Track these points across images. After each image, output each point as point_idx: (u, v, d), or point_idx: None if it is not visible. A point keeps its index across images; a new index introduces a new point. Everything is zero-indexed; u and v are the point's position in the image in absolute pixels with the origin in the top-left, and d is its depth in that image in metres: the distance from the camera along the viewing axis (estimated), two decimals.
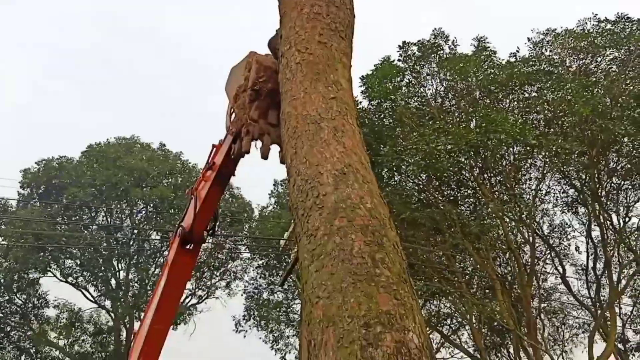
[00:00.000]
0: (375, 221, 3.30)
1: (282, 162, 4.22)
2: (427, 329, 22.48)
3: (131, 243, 26.26)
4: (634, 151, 17.34)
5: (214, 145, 6.03)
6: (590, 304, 20.87)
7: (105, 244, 25.54)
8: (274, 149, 4.72)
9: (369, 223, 3.26)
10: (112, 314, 26.42)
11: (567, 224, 20.07)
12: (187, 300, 27.82)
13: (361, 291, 2.88)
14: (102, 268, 25.75)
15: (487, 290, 21.05)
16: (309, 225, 3.38)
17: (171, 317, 7.23)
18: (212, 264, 27.40)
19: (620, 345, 21.74)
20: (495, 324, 21.38)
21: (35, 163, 25.39)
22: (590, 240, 19.65)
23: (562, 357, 23.59)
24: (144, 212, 26.38)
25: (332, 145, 3.72)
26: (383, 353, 2.61)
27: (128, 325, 24.89)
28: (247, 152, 5.01)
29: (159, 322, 7.01)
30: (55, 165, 25.24)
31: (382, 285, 2.92)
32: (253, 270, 26.25)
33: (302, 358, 10.86)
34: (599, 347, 18.66)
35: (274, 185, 25.24)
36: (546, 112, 17.42)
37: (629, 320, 22.89)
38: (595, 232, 19.51)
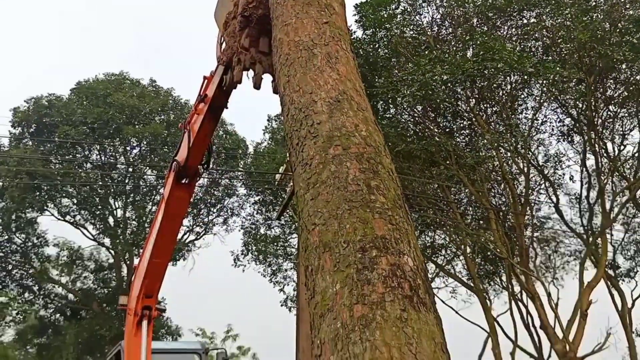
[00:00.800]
0: (370, 149, 3.28)
1: (275, 91, 4.14)
2: (423, 259, 23.15)
3: (126, 181, 26.29)
4: (632, 78, 17.15)
5: (205, 77, 5.88)
6: (582, 232, 21.30)
7: (100, 183, 25.56)
8: (267, 79, 4.60)
9: (364, 151, 3.24)
10: (112, 252, 26.88)
11: (562, 153, 20.13)
12: (185, 236, 28.28)
13: (357, 217, 2.90)
14: (99, 206, 25.92)
15: (481, 221, 21.41)
16: (304, 155, 3.36)
17: (169, 251, 7.33)
18: (209, 200, 27.61)
19: (610, 271, 22.40)
20: (489, 253, 21.90)
21: (25, 101, 24.99)
22: (584, 169, 19.79)
23: (553, 284, 24.36)
24: (137, 149, 26.27)
25: (325, 72, 3.66)
26: (378, 275, 2.64)
27: (128, 262, 25.36)
28: (239, 82, 4.89)
29: (157, 256, 7.11)
30: (45, 103, 24.81)
31: (377, 211, 2.93)
32: (250, 206, 26.50)
33: (300, 286, 11.19)
34: (590, 273, 19.23)
35: (268, 120, 25.00)
36: (544, 39, 17.04)
37: (620, 247, 23.48)
38: (590, 161, 19.65)
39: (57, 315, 27.59)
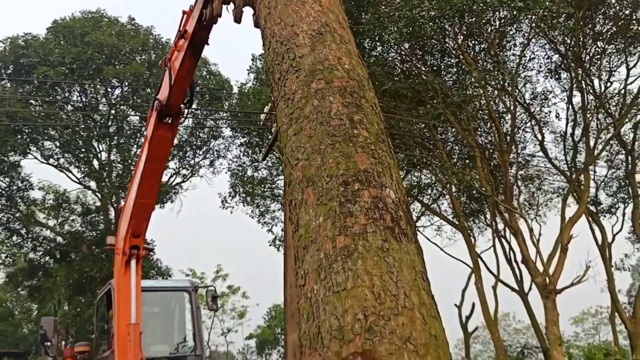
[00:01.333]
0: (353, 82, 3.24)
1: (257, 25, 4.00)
2: (409, 199, 23.30)
3: (109, 123, 25.85)
4: (621, 13, 16.92)
5: (184, 12, 5.68)
6: (566, 169, 21.62)
7: (82, 125, 25.10)
8: (248, 12, 4.45)
9: (347, 84, 3.20)
10: (98, 195, 26.80)
11: (549, 90, 20.08)
12: (171, 179, 28.25)
13: (339, 151, 2.90)
14: (83, 149, 25.60)
15: (467, 160, 21.59)
16: (286, 89, 3.31)
17: (155, 191, 7.31)
18: (194, 142, 27.39)
19: (592, 208, 22.92)
20: (474, 191, 22.23)
21: (0, 42, 24.11)
22: (570, 106, 19.83)
23: (536, 221, 24.94)
24: (119, 90, 25.70)
25: (307, 3, 3.56)
26: (361, 208, 2.67)
27: (115, 205, 25.34)
28: (219, 15, 4.74)
29: (143, 197, 7.10)
30: (21, 43, 23.94)
31: (360, 145, 2.93)
32: (236, 148, 26.37)
33: (287, 224, 11.35)
34: (572, 210, 19.67)
35: (253, 60, 24.45)
36: None
37: (603, 183, 23.92)
38: (576, 98, 19.68)
39: (47, 257, 27.81)
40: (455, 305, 27.94)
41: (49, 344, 8.33)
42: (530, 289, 21.30)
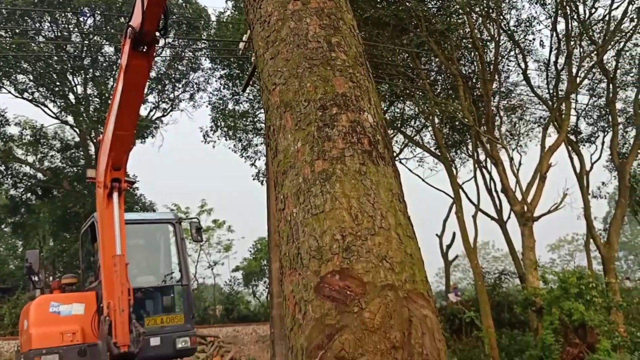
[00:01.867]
0: (330, 3, 3.13)
1: None
2: (392, 131, 23.23)
3: (83, 55, 24.93)
4: None
5: None
6: (548, 98, 21.65)
7: (55, 57, 24.19)
8: None
9: (324, 6, 3.10)
10: (77, 130, 26.31)
11: (533, 17, 19.71)
12: (151, 113, 27.77)
13: (317, 75, 2.85)
14: (58, 83, 24.83)
15: (450, 90, 21.47)
16: (262, 12, 3.21)
17: (133, 123, 7.19)
18: (173, 75, 26.73)
19: (572, 137, 23.20)
20: (457, 123, 22.27)
21: None
22: (554, 34, 19.59)
23: (517, 151, 25.25)
24: (91, 20, 24.63)
25: None
26: (339, 132, 2.66)
27: (95, 140, 24.97)
28: None
29: (121, 129, 6.99)
30: None
31: (338, 69, 2.88)
32: (216, 80, 25.81)
33: (269, 156, 11.34)
34: (553, 139, 19.88)
35: None
36: None
37: (584, 112, 24.09)
38: (561, 25, 19.41)
39: (28, 194, 27.60)
40: (437, 235, 28.74)
41: (36, 278, 8.44)
42: (509, 217, 21.89)
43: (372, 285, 2.31)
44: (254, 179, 26.72)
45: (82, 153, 26.98)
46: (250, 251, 34.33)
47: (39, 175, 27.09)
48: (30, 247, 26.61)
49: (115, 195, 7.42)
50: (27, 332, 7.46)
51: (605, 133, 23.73)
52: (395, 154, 23.84)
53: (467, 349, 18.74)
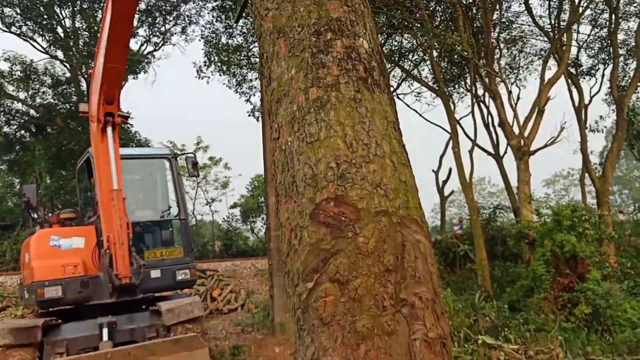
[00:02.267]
0: None
1: None
2: (389, 64, 22.80)
3: None
4: None
5: None
6: (549, 29, 21.16)
7: None
8: None
9: None
10: (67, 65, 25.75)
11: None
12: (142, 47, 27.12)
13: None
14: (45, 16, 24.05)
15: (449, 22, 20.92)
16: None
17: (123, 55, 7.02)
18: (164, 7, 25.89)
19: (572, 70, 22.86)
20: (455, 56, 21.86)
21: None
22: None
23: (516, 84, 24.94)
24: None
25: None
26: (333, 58, 2.60)
27: (86, 76, 24.49)
28: None
29: (111, 61, 6.84)
30: None
31: None
32: (208, 13, 25.07)
33: (264, 91, 11.19)
34: (552, 72, 19.56)
35: None
36: None
37: (585, 44, 23.61)
38: None
39: (22, 131, 27.39)
40: (433, 171, 28.89)
41: (35, 215, 8.52)
42: (505, 152, 21.94)
43: (366, 212, 2.33)
44: (249, 116, 26.51)
45: (73, 89, 26.53)
46: (248, 188, 34.59)
47: (32, 112, 26.74)
48: (27, 184, 26.71)
49: (109, 129, 7.37)
50: (29, 265, 7.61)
51: (606, 65, 23.38)
52: (392, 89, 23.52)
53: (460, 280, 19.28)
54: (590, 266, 12.80)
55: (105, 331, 7.02)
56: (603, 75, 23.41)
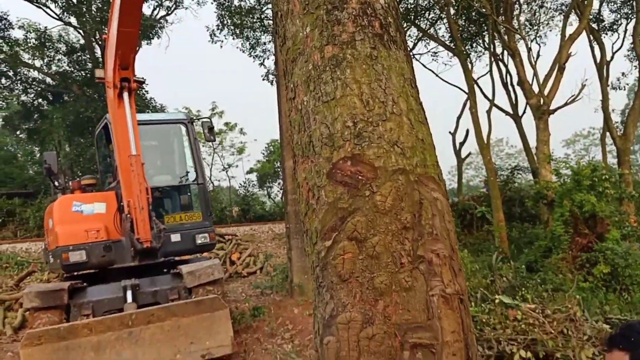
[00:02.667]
0: None
1: None
2: (405, 24, 22.26)
3: None
4: None
5: None
6: None
7: None
8: None
9: None
10: (81, 32, 25.69)
11: None
12: (154, 12, 26.89)
13: None
14: None
15: None
16: None
17: (137, 19, 6.97)
18: None
19: (594, 25, 22.17)
20: (473, 13, 21.31)
21: None
22: None
23: (535, 41, 24.30)
24: None
25: None
26: (349, 15, 2.56)
27: (100, 43, 24.41)
28: None
29: (125, 25, 6.80)
30: None
31: None
32: None
33: (278, 53, 11.04)
34: (573, 28, 19.00)
35: None
36: None
37: None
38: None
39: (40, 99, 27.59)
40: (450, 132, 28.56)
41: (56, 183, 8.66)
42: (524, 112, 21.58)
43: (384, 170, 2.33)
44: (263, 80, 26.34)
45: (88, 56, 26.52)
46: (263, 153, 34.65)
47: (48, 80, 26.86)
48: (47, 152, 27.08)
49: (125, 95, 7.39)
50: (53, 230, 7.78)
51: (629, 20, 22.62)
52: (409, 49, 22.90)
53: (477, 242, 19.29)
54: (609, 226, 12.70)
55: (129, 293, 7.20)
56: (625, 31, 22.72)
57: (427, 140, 2.53)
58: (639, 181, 22.03)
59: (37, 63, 26.19)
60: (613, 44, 23.41)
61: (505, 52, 20.85)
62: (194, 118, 9.97)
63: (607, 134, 21.37)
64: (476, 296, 9.06)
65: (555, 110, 17.66)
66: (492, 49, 21.72)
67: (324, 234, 2.38)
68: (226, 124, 35.60)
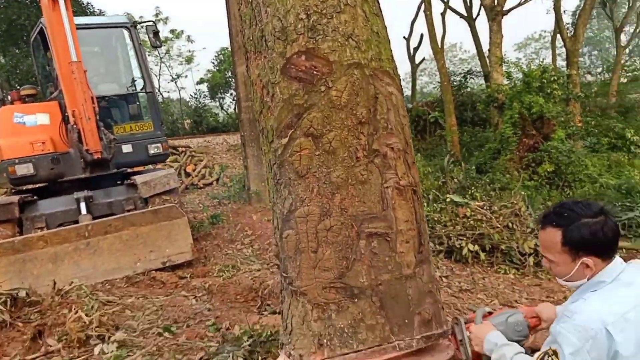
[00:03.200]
0: None
1: None
2: None
3: None
4: None
5: None
6: None
7: None
8: None
9: None
10: None
11: None
12: None
13: None
14: None
15: None
16: None
17: None
18: None
19: None
20: None
21: None
22: None
23: None
24: None
25: None
26: None
27: None
28: None
29: None
30: None
31: None
32: None
33: None
34: None
35: None
36: None
37: None
38: None
39: None
40: (404, 37, 28.16)
41: None
42: (478, 14, 21.37)
43: (339, 64, 2.28)
44: None
45: None
46: (213, 62, 33.44)
47: None
48: None
49: None
50: None
51: None
52: None
53: (430, 147, 19.73)
54: (555, 126, 13.18)
55: (83, 205, 7.07)
56: None
57: (382, 33, 2.47)
58: (585, 82, 22.65)
59: None
60: None
61: None
62: (137, 21, 9.39)
63: (558, 36, 21.57)
64: (429, 197, 9.42)
65: (509, 10, 17.57)
66: None
67: (280, 131, 2.35)
68: (172, 31, 33.87)
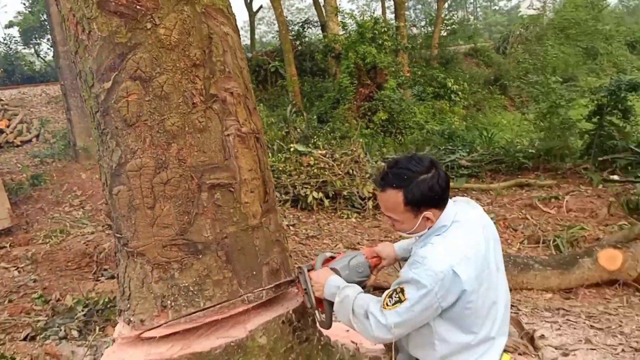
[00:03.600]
0: None
1: None
2: None
3: None
4: None
5: None
6: None
7: None
8: None
9: None
10: None
11: None
12: None
13: None
14: None
15: None
16: None
17: None
18: None
19: None
20: None
21: None
22: None
23: None
24: None
25: None
26: None
27: None
28: None
29: None
30: None
31: None
32: None
33: None
34: None
35: None
36: None
37: None
38: None
39: None
40: None
41: None
42: None
43: None
44: None
45: None
46: (24, 4, 29.40)
47: None
48: None
49: None
50: None
51: None
52: None
53: (272, 97, 19.71)
54: (387, 76, 13.94)
55: None
56: None
57: None
58: (411, 35, 24.20)
59: None
60: None
61: None
62: None
63: None
64: (273, 147, 9.44)
65: None
66: None
67: (101, 74, 2.05)
68: None
